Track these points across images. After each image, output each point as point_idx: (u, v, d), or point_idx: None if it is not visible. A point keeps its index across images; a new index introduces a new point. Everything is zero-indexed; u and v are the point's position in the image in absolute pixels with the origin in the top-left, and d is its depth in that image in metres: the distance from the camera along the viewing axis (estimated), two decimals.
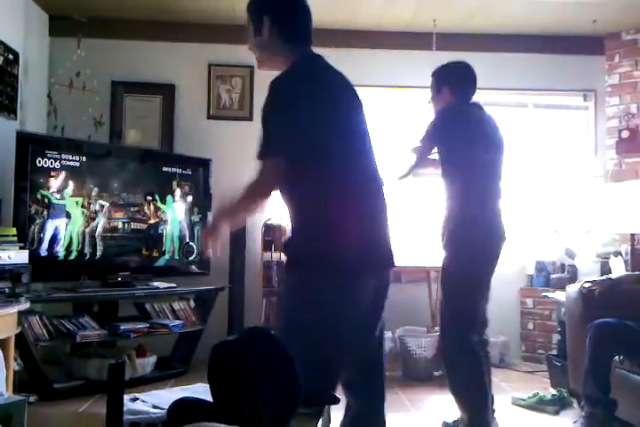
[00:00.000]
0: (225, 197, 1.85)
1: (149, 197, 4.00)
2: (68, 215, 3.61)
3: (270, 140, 1.75)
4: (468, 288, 2.69)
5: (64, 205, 3.59)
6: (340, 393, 1.91)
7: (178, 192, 4.15)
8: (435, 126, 2.78)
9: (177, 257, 4.13)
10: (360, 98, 1.97)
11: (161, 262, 4.05)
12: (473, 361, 2.64)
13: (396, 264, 1.93)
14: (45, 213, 3.49)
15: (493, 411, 2.86)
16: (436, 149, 2.81)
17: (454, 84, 2.82)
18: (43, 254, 3.47)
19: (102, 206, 3.77)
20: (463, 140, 2.70)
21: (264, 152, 1.75)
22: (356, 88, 1.98)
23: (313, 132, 1.74)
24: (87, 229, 3.69)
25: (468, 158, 2.70)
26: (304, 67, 1.86)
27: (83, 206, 3.67)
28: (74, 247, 3.62)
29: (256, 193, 1.79)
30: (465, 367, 2.64)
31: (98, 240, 3.73)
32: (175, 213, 4.14)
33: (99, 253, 3.73)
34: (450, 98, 2.82)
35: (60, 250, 3.56)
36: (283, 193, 1.84)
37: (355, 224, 1.77)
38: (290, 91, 1.80)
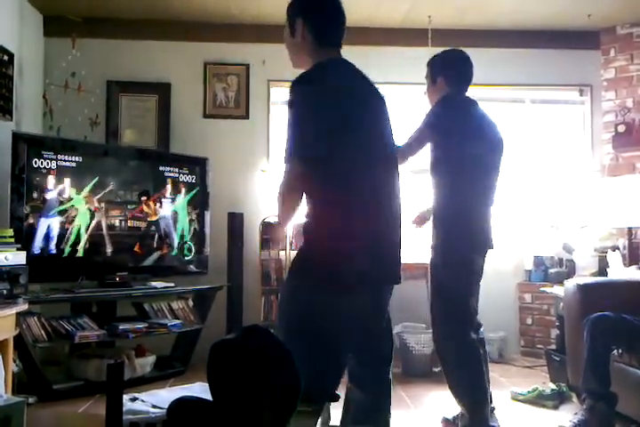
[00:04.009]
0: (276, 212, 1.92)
1: (146, 197, 4.00)
2: (65, 216, 3.60)
3: (288, 144, 1.77)
4: (459, 280, 2.66)
5: (60, 206, 3.58)
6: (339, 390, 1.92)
7: (175, 191, 4.14)
8: (435, 115, 2.71)
9: (175, 256, 4.13)
10: (385, 105, 2.00)
11: (159, 262, 4.04)
12: (472, 357, 2.64)
13: (400, 280, 1.94)
14: (42, 213, 3.48)
15: (493, 409, 2.86)
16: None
17: (450, 73, 2.78)
18: (40, 255, 3.46)
19: (99, 206, 3.76)
20: (461, 133, 2.66)
21: (284, 155, 1.79)
22: (382, 95, 2.00)
23: (321, 139, 1.75)
24: (84, 230, 3.68)
25: (462, 151, 2.65)
26: (322, 70, 1.86)
27: (79, 207, 3.67)
28: (71, 248, 3.61)
29: (285, 200, 1.85)
30: (464, 363, 2.64)
31: (95, 240, 3.73)
32: (172, 212, 4.13)
33: (96, 254, 3.73)
34: (445, 88, 2.77)
35: (58, 251, 3.55)
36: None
37: (356, 239, 1.79)
38: (303, 93, 1.79)
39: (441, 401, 3.25)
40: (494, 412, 2.86)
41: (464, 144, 2.65)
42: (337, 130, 1.77)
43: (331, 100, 1.77)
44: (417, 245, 4.12)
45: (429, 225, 2.79)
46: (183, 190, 4.19)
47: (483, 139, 2.73)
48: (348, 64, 1.96)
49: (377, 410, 2.02)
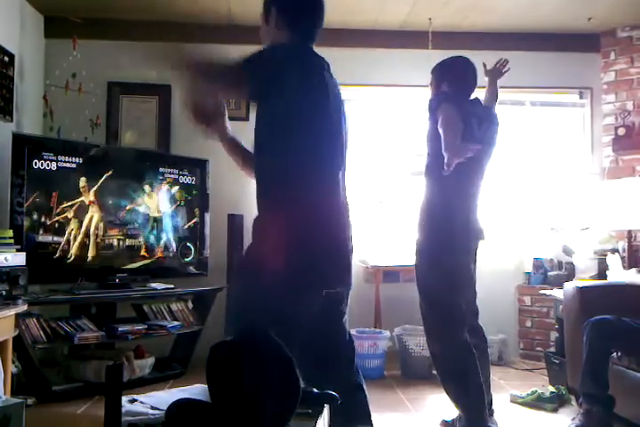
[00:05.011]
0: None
1: (146, 199, 4.00)
2: (65, 217, 3.60)
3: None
4: (447, 281, 2.65)
5: (60, 207, 3.58)
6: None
7: (175, 193, 4.14)
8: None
9: (175, 258, 4.13)
10: (342, 102, 1.98)
11: (158, 263, 4.04)
12: (466, 358, 2.62)
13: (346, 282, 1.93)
14: (42, 214, 3.48)
15: (492, 412, 2.86)
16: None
17: (452, 79, 2.79)
18: (39, 256, 3.46)
19: (99, 207, 3.76)
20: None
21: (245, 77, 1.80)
22: (341, 90, 2.00)
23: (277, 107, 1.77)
24: (83, 231, 3.68)
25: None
26: (292, 50, 1.88)
27: (79, 208, 3.67)
28: (71, 249, 3.61)
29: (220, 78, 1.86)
30: (458, 366, 2.62)
31: (95, 242, 3.73)
32: (172, 213, 4.13)
33: (96, 255, 3.73)
34: (448, 91, 2.79)
35: (57, 252, 3.55)
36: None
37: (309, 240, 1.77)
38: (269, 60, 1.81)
39: (440, 404, 3.25)
40: (493, 415, 2.86)
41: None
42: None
43: (297, 89, 1.79)
44: (414, 248, 4.13)
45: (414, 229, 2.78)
46: (183, 192, 4.19)
47: (481, 138, 2.73)
48: (315, 56, 1.94)
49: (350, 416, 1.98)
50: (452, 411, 2.85)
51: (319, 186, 1.83)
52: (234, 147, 2.07)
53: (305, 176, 1.80)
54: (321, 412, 2.05)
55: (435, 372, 3.98)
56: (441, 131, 2.58)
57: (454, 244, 2.66)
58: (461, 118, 2.63)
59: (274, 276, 1.73)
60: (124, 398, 2.66)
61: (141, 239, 3.96)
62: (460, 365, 2.62)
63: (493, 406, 2.87)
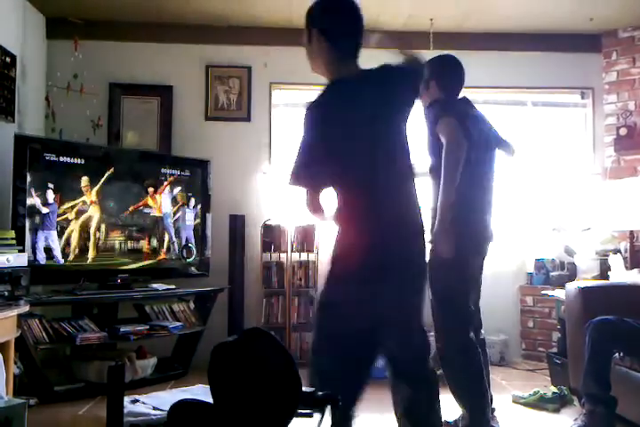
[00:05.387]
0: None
1: (148, 199, 4.00)
2: (67, 218, 3.61)
3: (293, 167, 1.90)
4: (460, 282, 2.66)
5: (62, 208, 3.59)
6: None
7: (176, 194, 4.15)
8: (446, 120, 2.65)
9: (176, 259, 4.13)
10: (396, 102, 2.01)
11: (160, 264, 4.05)
12: (473, 358, 2.64)
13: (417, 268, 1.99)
14: (44, 215, 3.49)
15: (493, 410, 2.86)
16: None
17: (441, 77, 2.78)
18: (41, 257, 3.47)
19: (101, 208, 3.76)
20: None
21: (290, 175, 1.91)
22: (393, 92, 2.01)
23: (326, 161, 1.87)
24: (85, 231, 3.69)
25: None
26: (325, 94, 1.96)
27: (81, 209, 3.67)
28: (72, 250, 3.62)
29: (311, 211, 1.98)
30: (465, 365, 2.64)
31: (96, 242, 3.73)
32: (174, 214, 4.14)
33: (98, 255, 3.73)
34: (438, 92, 2.77)
35: (59, 252, 3.56)
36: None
37: (364, 236, 1.87)
38: (307, 120, 1.91)
39: (443, 404, 3.24)
40: (495, 413, 2.86)
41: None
42: (340, 154, 1.88)
43: (334, 127, 1.87)
44: None
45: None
46: (184, 192, 4.19)
47: (479, 140, 2.73)
48: (358, 78, 1.98)
49: (424, 405, 2.06)
50: (453, 411, 2.84)
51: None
52: None
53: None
54: (323, 413, 2.05)
55: (439, 372, 4.00)
56: (443, 156, 2.56)
57: (468, 245, 2.67)
58: (462, 129, 2.62)
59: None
60: (126, 399, 2.66)
61: (143, 240, 3.97)
62: (467, 363, 2.63)
63: (494, 405, 2.87)
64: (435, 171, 2.72)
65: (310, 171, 1.87)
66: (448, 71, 2.81)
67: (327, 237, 4.38)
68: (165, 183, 4.08)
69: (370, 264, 1.86)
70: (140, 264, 3.95)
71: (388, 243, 1.91)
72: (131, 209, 3.90)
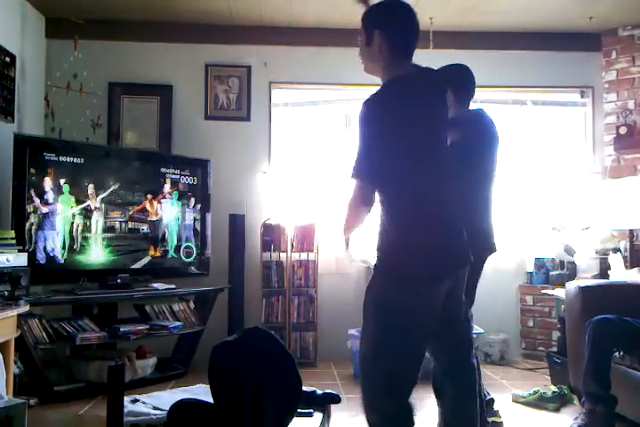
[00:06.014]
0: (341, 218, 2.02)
1: (148, 199, 4.00)
2: (67, 218, 3.61)
3: (356, 161, 1.87)
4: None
5: (62, 208, 3.59)
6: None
7: (176, 193, 4.15)
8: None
9: (176, 258, 4.13)
10: (443, 106, 2.05)
11: (160, 264, 4.05)
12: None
13: (469, 260, 2.02)
14: (44, 215, 3.49)
15: (497, 412, 2.86)
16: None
17: (455, 87, 2.78)
18: (41, 257, 3.47)
19: (101, 208, 3.77)
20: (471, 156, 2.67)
21: (352, 172, 1.89)
22: (439, 93, 2.05)
23: (387, 159, 1.86)
24: (85, 231, 3.69)
25: (480, 164, 2.69)
26: (389, 91, 1.94)
27: (81, 208, 3.67)
28: (72, 249, 3.62)
29: (353, 212, 1.94)
30: None
31: (96, 242, 3.73)
32: (174, 214, 4.14)
33: (97, 255, 3.73)
34: (452, 101, 2.80)
35: (59, 252, 3.56)
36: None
37: (425, 237, 1.89)
38: (371, 116, 1.88)
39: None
40: (493, 405, 2.87)
41: (477, 156, 2.68)
42: (404, 150, 1.87)
43: (398, 123, 1.86)
44: None
45: None
46: (184, 192, 4.19)
47: (486, 156, 2.74)
48: (415, 77, 2.00)
49: (464, 401, 2.07)
50: None
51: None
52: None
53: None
54: (324, 412, 2.05)
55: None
56: None
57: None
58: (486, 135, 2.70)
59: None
60: (126, 399, 2.66)
61: (143, 239, 3.97)
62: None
63: (496, 407, 2.88)
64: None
65: (373, 164, 1.86)
66: (462, 82, 2.81)
67: (327, 236, 4.38)
68: (165, 183, 4.08)
69: (441, 262, 1.89)
70: (140, 264, 3.95)
71: (452, 243, 1.95)
72: (133, 211, 3.90)
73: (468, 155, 2.63)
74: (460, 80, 2.81)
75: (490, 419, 2.75)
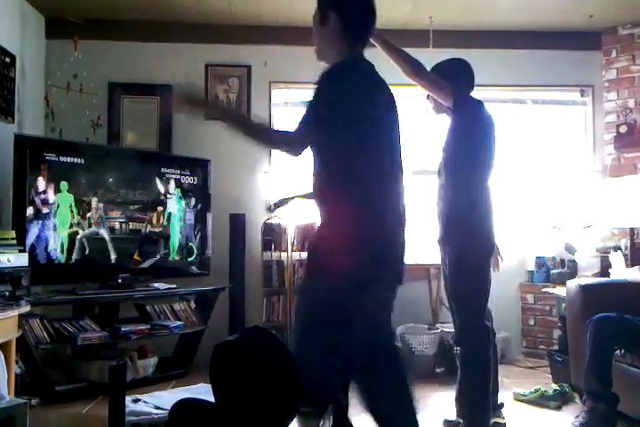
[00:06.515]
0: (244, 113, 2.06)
1: (148, 199, 4.00)
2: (68, 218, 3.61)
3: (303, 122, 1.93)
4: (484, 275, 2.66)
5: (63, 208, 3.59)
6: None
7: (177, 193, 4.15)
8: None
9: (177, 258, 4.13)
10: (395, 103, 2.08)
11: (161, 263, 4.05)
12: (490, 349, 2.65)
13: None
14: (44, 215, 3.49)
15: (502, 405, 2.87)
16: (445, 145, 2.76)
17: (453, 80, 2.79)
18: (42, 257, 3.47)
19: (101, 208, 3.76)
20: (477, 138, 2.70)
21: (296, 129, 1.94)
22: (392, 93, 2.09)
23: (337, 129, 1.89)
24: (87, 231, 3.69)
25: (477, 157, 2.69)
26: (349, 66, 1.96)
27: (82, 208, 3.67)
28: (73, 249, 3.62)
29: (273, 140, 2.07)
30: (485, 356, 2.63)
31: (97, 242, 3.73)
32: (174, 213, 4.14)
33: (98, 255, 3.73)
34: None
35: (60, 252, 3.56)
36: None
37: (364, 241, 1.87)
38: (330, 87, 1.91)
39: (443, 403, 3.25)
40: (502, 409, 2.88)
41: (479, 147, 2.68)
42: (353, 131, 1.89)
43: (354, 104, 1.88)
44: (416, 246, 4.13)
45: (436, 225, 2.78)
46: (185, 192, 4.19)
47: (491, 142, 2.75)
48: (367, 63, 2.02)
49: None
50: (453, 410, 2.85)
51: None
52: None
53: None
54: (324, 412, 2.05)
55: (438, 370, 4.01)
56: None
57: (483, 245, 2.68)
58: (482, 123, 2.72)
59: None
60: (128, 398, 2.66)
61: (144, 239, 3.96)
62: (483, 351, 2.63)
63: (501, 400, 2.90)
64: (447, 165, 2.72)
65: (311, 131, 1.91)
66: (461, 76, 2.82)
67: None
68: (165, 183, 4.08)
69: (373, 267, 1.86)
70: (141, 264, 3.95)
71: (395, 231, 1.94)
72: (130, 208, 3.90)
73: (468, 140, 2.66)
74: (458, 73, 2.81)
75: (493, 420, 2.75)
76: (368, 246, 1.86)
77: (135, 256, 3.92)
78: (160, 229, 4.05)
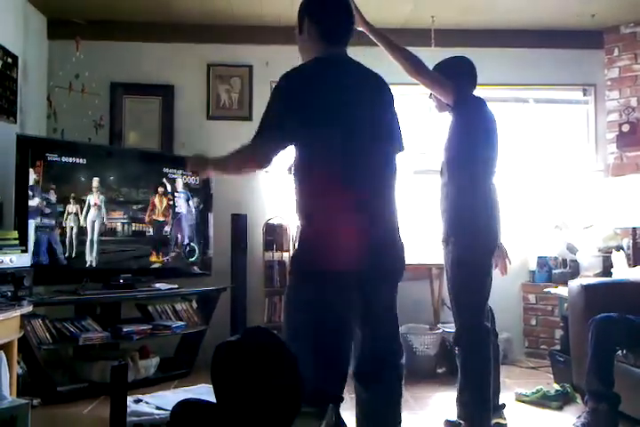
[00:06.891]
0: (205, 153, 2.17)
1: (150, 199, 4.01)
2: (69, 218, 3.61)
3: (259, 126, 1.94)
4: (484, 275, 2.66)
5: (65, 208, 3.59)
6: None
7: (178, 193, 4.15)
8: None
9: (178, 258, 4.13)
10: (383, 98, 2.05)
11: (163, 264, 4.05)
12: (489, 349, 2.65)
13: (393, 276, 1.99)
14: (46, 216, 3.49)
15: (503, 406, 2.87)
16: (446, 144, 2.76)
17: (455, 78, 2.78)
18: (44, 257, 3.47)
19: (103, 208, 3.77)
20: (479, 133, 2.70)
21: (255, 135, 1.96)
22: (380, 87, 2.07)
23: (286, 129, 1.89)
24: (88, 232, 3.69)
25: (479, 155, 2.69)
26: (307, 66, 1.96)
27: (83, 209, 3.68)
28: (75, 250, 3.62)
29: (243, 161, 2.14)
30: (483, 355, 2.64)
31: (99, 242, 3.74)
32: (176, 214, 4.14)
33: (100, 256, 3.74)
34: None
35: (62, 253, 3.56)
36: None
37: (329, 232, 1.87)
38: (280, 86, 1.91)
39: (445, 403, 3.25)
40: (503, 410, 2.88)
41: (481, 145, 2.68)
42: (310, 123, 1.87)
43: (305, 94, 1.86)
44: (418, 246, 4.13)
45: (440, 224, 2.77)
46: (187, 192, 4.20)
47: (494, 140, 2.75)
48: (342, 59, 2.00)
49: (379, 408, 2.02)
50: (455, 410, 2.85)
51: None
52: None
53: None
54: (325, 411, 2.04)
55: (440, 370, 4.01)
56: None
57: (485, 244, 2.67)
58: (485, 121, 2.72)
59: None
60: (129, 399, 2.67)
61: (145, 240, 3.97)
62: (481, 350, 2.63)
63: (502, 401, 2.90)
64: (449, 164, 2.72)
65: (271, 136, 1.92)
66: (463, 73, 2.82)
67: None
68: (167, 183, 4.08)
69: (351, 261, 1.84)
70: (143, 264, 3.95)
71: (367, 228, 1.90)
72: (132, 208, 3.90)
73: (470, 138, 2.66)
74: (460, 71, 2.81)
75: (494, 420, 2.75)
76: (308, 240, 1.90)
77: (137, 256, 3.92)
78: (161, 229, 4.05)
